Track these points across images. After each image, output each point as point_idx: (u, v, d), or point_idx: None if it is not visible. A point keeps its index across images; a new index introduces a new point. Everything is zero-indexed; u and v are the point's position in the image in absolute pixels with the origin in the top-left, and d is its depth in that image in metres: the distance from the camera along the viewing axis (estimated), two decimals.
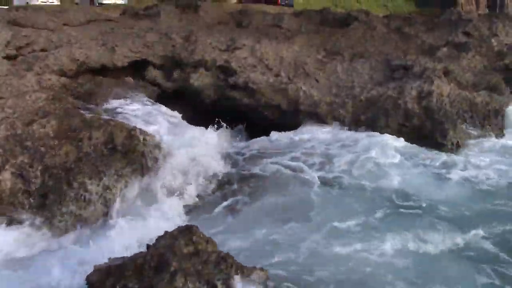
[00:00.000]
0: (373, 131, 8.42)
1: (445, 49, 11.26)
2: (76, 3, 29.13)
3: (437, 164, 7.62)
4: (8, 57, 8.32)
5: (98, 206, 5.59)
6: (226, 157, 7.81)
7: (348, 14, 14.24)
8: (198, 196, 6.56)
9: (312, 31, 12.87)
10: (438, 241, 5.61)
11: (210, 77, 9.92)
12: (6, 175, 5.31)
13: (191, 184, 6.61)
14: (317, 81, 9.83)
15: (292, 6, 33.34)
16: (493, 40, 11.69)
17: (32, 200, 5.34)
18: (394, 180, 7.09)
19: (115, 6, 19.26)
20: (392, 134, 8.21)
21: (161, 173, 6.22)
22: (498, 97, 9.22)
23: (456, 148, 8.04)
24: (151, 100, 8.77)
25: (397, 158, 7.60)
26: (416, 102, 8.52)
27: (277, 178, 7.07)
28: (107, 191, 5.71)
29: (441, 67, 10.03)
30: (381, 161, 7.48)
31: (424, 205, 6.48)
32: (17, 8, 13.22)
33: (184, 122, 8.39)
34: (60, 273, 4.90)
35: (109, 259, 4.10)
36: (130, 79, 9.65)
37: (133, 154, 6.02)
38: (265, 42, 11.10)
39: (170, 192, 6.26)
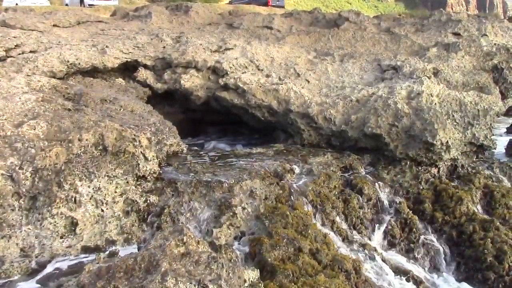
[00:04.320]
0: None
1: (434, 49, 11.35)
2: (66, 5, 29.04)
3: None
4: None
5: (89, 208, 5.59)
6: None
7: (338, 14, 14.34)
8: None
9: (303, 32, 12.94)
10: None
11: (201, 78, 9.93)
12: None
13: None
14: (307, 81, 9.87)
15: (283, 7, 33.54)
16: (482, 40, 11.80)
17: (22, 202, 5.31)
18: None
19: (105, 7, 19.22)
20: (383, 134, 8.26)
21: None
22: (487, 96, 9.30)
23: (446, 148, 8.09)
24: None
25: None
26: (406, 102, 8.59)
27: None
28: (98, 192, 5.70)
29: (431, 67, 10.11)
30: None
31: None
32: (6, 9, 13.17)
33: None
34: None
35: (100, 260, 4.10)
36: (121, 81, 9.64)
37: (124, 155, 6.02)
38: (256, 43, 11.14)
39: None
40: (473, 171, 8.60)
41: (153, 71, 10.13)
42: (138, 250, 4.13)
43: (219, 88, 9.71)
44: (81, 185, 5.56)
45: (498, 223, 7.42)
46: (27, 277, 4.98)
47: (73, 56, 8.91)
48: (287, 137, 9.40)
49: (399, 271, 6.43)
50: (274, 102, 9.16)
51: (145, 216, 5.94)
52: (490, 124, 8.95)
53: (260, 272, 4.46)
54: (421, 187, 8.01)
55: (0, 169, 5.26)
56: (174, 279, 3.62)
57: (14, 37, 8.84)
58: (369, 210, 7.32)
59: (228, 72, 9.75)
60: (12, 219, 5.22)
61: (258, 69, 10.14)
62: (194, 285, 3.67)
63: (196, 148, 8.98)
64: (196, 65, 9.96)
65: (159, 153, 6.70)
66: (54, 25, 11.10)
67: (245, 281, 4.07)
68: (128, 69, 9.97)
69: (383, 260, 6.46)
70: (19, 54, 8.54)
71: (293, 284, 4.95)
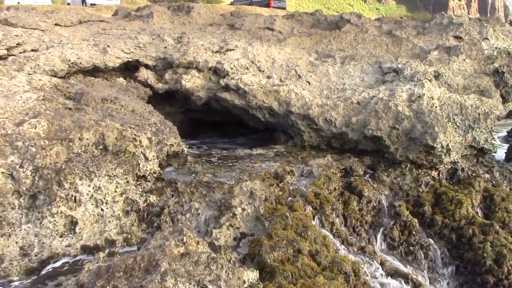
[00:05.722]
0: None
1: (435, 52, 11.36)
2: (68, 4, 29.07)
3: None
4: None
5: (89, 207, 5.59)
6: None
7: (340, 16, 14.34)
8: None
9: (304, 33, 12.95)
10: None
11: (202, 78, 9.94)
12: None
13: None
14: (308, 83, 9.87)
15: (284, 8, 33.61)
16: (483, 44, 11.80)
17: (22, 201, 5.31)
18: None
19: (107, 7, 19.24)
20: (383, 136, 8.26)
21: None
22: (488, 100, 9.31)
23: (446, 151, 8.09)
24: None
25: None
26: (407, 104, 8.59)
27: None
28: (98, 192, 5.70)
29: (432, 70, 10.11)
30: None
31: None
32: (8, 8, 13.18)
33: None
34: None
35: (100, 259, 4.10)
36: (122, 80, 9.64)
37: (124, 155, 6.02)
38: (257, 44, 11.14)
39: None
40: (473, 174, 8.59)
41: (154, 71, 10.13)
42: (137, 250, 4.12)
43: (220, 88, 9.71)
44: (81, 184, 5.57)
45: (497, 227, 7.42)
46: (26, 275, 4.98)
47: (75, 55, 8.91)
48: (288, 139, 9.40)
49: (398, 273, 6.42)
50: (275, 103, 9.16)
51: (145, 216, 5.95)
52: (491, 127, 8.96)
53: (259, 273, 4.46)
54: (421, 190, 8.00)
55: (0, 167, 5.27)
56: (173, 279, 3.62)
57: (16, 36, 8.84)
58: (368, 212, 7.31)
59: (229, 73, 9.75)
60: (12, 217, 5.22)
61: (259, 70, 10.15)
62: (194, 286, 3.67)
63: (196, 148, 8.98)
64: (197, 65, 9.96)
65: (159, 153, 6.70)
66: (55, 24, 11.11)
67: (244, 282, 4.07)
68: (129, 69, 9.98)
69: (382, 263, 6.45)
70: (21, 52, 8.54)
71: (292, 285, 4.94)
